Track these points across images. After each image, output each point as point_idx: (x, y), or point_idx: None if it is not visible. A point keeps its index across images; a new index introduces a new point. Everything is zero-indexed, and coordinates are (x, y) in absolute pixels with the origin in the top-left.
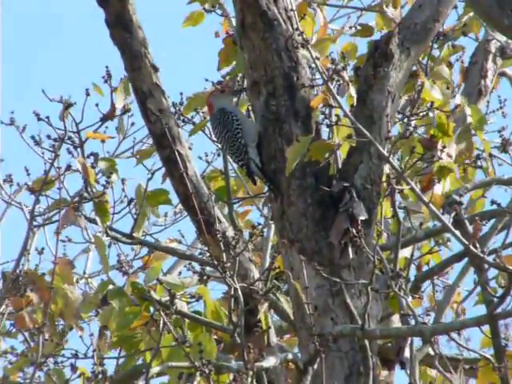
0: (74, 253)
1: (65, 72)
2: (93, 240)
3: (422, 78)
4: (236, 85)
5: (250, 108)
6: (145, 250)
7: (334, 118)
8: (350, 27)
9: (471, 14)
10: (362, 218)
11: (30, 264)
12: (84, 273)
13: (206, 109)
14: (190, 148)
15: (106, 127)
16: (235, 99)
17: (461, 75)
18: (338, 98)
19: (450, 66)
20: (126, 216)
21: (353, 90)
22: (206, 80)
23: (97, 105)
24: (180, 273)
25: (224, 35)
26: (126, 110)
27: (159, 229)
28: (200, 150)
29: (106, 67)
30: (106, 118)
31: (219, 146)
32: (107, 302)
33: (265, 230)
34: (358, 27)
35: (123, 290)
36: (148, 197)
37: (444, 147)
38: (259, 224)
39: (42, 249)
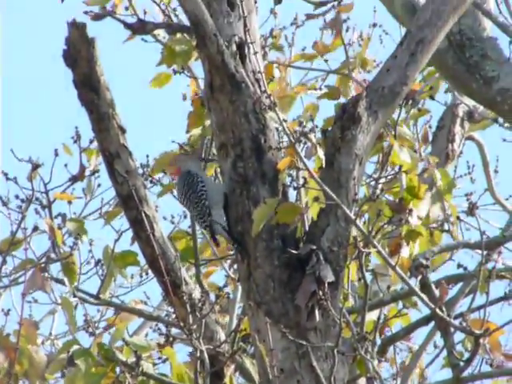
0: (40, 314)
1: (34, 132)
2: (59, 301)
3: (392, 141)
4: (203, 149)
5: (217, 170)
6: (111, 312)
7: (301, 181)
8: (315, 88)
9: (436, 75)
10: (329, 280)
11: None
12: (50, 334)
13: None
14: (156, 210)
15: (74, 188)
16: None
17: (423, 139)
18: (305, 160)
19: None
20: (93, 277)
21: (321, 152)
22: (173, 142)
23: (65, 165)
24: (146, 334)
25: (191, 97)
26: (94, 171)
27: (125, 290)
28: (167, 212)
29: (76, 128)
30: (75, 179)
31: (184, 207)
32: (73, 362)
33: (231, 291)
34: (323, 89)
35: (89, 350)
36: (116, 258)
37: (412, 210)
38: (225, 286)
39: (9, 310)
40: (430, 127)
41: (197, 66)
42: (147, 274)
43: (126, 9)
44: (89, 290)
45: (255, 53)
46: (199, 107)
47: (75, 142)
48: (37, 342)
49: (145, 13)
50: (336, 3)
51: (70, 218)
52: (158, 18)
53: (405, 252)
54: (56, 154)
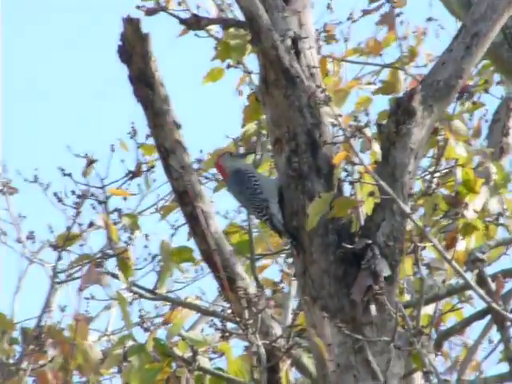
0: (97, 309)
1: (91, 128)
2: (115, 296)
3: (447, 135)
4: (258, 143)
5: (272, 165)
6: (167, 307)
7: (356, 175)
8: (369, 83)
9: (491, 68)
10: (385, 274)
11: (52, 320)
12: (106, 330)
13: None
14: (211, 205)
15: (129, 183)
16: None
17: (474, 132)
18: (360, 155)
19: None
20: (149, 272)
21: (376, 147)
22: (227, 136)
23: (122, 161)
24: (202, 329)
25: (246, 92)
26: (151, 167)
27: (180, 286)
28: (222, 207)
29: (132, 123)
30: (133, 175)
31: (241, 205)
32: (128, 358)
33: (286, 286)
34: (378, 84)
35: (143, 346)
36: (172, 254)
37: (468, 204)
38: (281, 281)
39: (65, 306)
40: (486, 121)
41: (250, 61)
42: (202, 269)
43: (179, 4)
44: (145, 285)
45: (310, 47)
46: (254, 102)
47: (131, 137)
48: (87, 336)
49: (198, 7)
50: None
51: (124, 214)
52: (211, 12)
53: (460, 246)
54: (112, 150)
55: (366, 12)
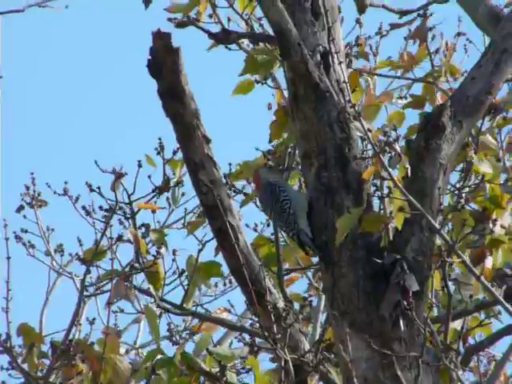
0: (125, 322)
1: (118, 144)
2: (143, 310)
3: (468, 153)
4: (286, 161)
5: (301, 179)
6: (195, 320)
7: (385, 190)
8: (400, 97)
9: None
10: (414, 289)
11: (80, 334)
12: (135, 343)
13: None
14: (240, 219)
15: (157, 198)
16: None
17: (506, 147)
18: (390, 170)
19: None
20: (177, 288)
21: (405, 161)
22: (257, 149)
23: (149, 176)
24: (231, 343)
25: (276, 106)
26: (178, 182)
27: (209, 299)
28: (249, 221)
29: (159, 139)
30: (160, 190)
31: (269, 218)
32: (156, 372)
33: (315, 300)
34: (409, 98)
35: (172, 359)
36: (200, 269)
37: (496, 220)
38: (310, 295)
39: (94, 319)
40: (510, 134)
41: (280, 75)
42: (231, 282)
43: (210, 16)
44: (172, 299)
45: (340, 62)
46: (282, 117)
47: (158, 153)
48: (119, 350)
49: (228, 20)
50: (421, 12)
51: (152, 229)
52: (242, 24)
53: (488, 262)
54: (139, 166)
55: (394, 26)
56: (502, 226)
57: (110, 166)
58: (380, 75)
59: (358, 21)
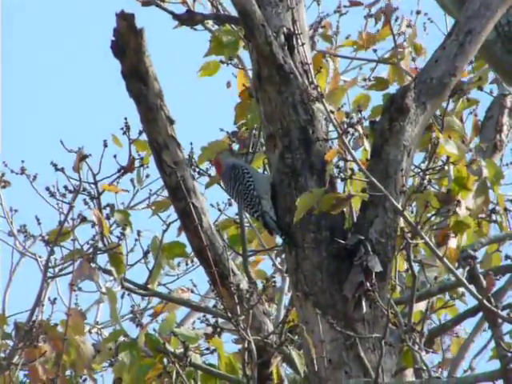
0: (86, 302)
1: (84, 123)
2: (105, 290)
3: (437, 133)
4: (251, 140)
5: (265, 161)
6: (156, 300)
7: (348, 172)
8: (364, 79)
9: (485, 67)
10: (377, 270)
11: (42, 315)
12: (96, 323)
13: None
14: (204, 200)
15: (119, 178)
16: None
17: (473, 129)
18: (352, 151)
19: (461, 119)
20: (140, 267)
21: (367, 144)
22: (221, 130)
23: (115, 156)
24: (193, 322)
25: (238, 87)
26: (142, 163)
27: (172, 279)
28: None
29: (125, 119)
30: (125, 170)
31: (233, 200)
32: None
33: (279, 282)
34: (372, 80)
35: (135, 342)
36: (164, 249)
37: (459, 201)
38: (272, 276)
39: (55, 299)
40: (475, 115)
41: (245, 56)
42: (193, 262)
43: None
44: (136, 279)
45: (303, 44)
46: (247, 98)
47: (124, 133)
48: (83, 331)
49: (194, 1)
50: None
51: (116, 210)
52: (207, 5)
53: (452, 243)
54: (105, 145)
55: (353, 3)
56: (467, 208)
57: (75, 146)
58: (344, 57)
59: None
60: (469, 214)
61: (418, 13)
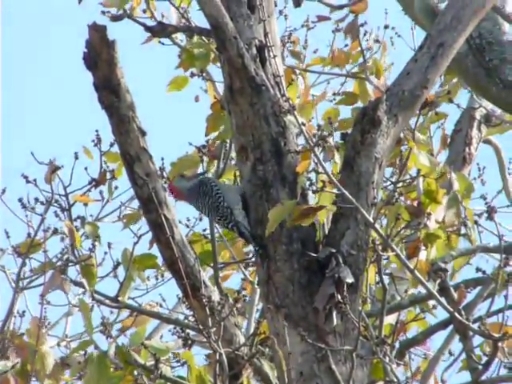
0: (56, 315)
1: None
2: (75, 303)
3: (411, 144)
4: (221, 152)
5: (236, 173)
6: (126, 313)
7: (319, 184)
8: (334, 93)
9: (454, 80)
10: (349, 281)
11: (14, 326)
12: (66, 336)
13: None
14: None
15: (89, 190)
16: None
17: (441, 142)
18: (323, 164)
19: (425, 132)
20: (110, 279)
21: (337, 157)
22: (190, 144)
23: (86, 168)
24: (161, 336)
25: (207, 99)
26: (113, 175)
27: (141, 293)
28: (182, 215)
29: (96, 131)
30: (96, 182)
31: (204, 215)
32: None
33: (249, 294)
34: (341, 95)
35: (105, 353)
36: (135, 261)
37: (430, 214)
38: (243, 289)
39: (24, 312)
40: (443, 129)
41: (214, 70)
42: (163, 276)
43: (144, 11)
44: (106, 292)
45: (275, 56)
46: (217, 110)
47: (95, 145)
48: (45, 342)
49: (162, 16)
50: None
51: (87, 222)
52: (174, 21)
53: (423, 256)
54: (76, 157)
55: (320, 18)
56: (437, 221)
57: (47, 158)
58: (313, 72)
59: (282, 13)
60: (439, 227)
61: (386, 27)
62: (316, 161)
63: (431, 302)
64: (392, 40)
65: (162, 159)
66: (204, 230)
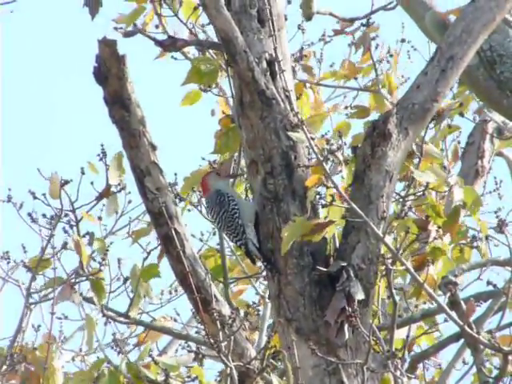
0: (72, 330)
1: (61, 151)
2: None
3: (410, 163)
4: (233, 168)
5: (247, 187)
6: (141, 328)
7: (329, 198)
8: (346, 107)
9: (466, 92)
10: (359, 297)
11: (25, 341)
12: (80, 350)
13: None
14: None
15: (103, 205)
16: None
17: (453, 155)
18: (332, 178)
19: (438, 145)
20: (122, 294)
21: (345, 171)
22: (203, 159)
23: (92, 183)
24: (176, 350)
25: (220, 114)
26: (121, 188)
27: (155, 307)
28: (196, 229)
29: (101, 145)
30: (101, 197)
31: (215, 225)
32: None
33: (261, 308)
34: (354, 108)
35: (116, 369)
36: (142, 274)
37: (439, 227)
38: (254, 303)
39: (39, 326)
40: (458, 142)
41: (225, 83)
42: (176, 290)
43: (156, 27)
44: (117, 307)
45: (284, 70)
46: (226, 125)
47: (101, 159)
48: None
49: (174, 33)
50: (364, 21)
51: (96, 238)
52: (185, 36)
53: (432, 270)
54: (82, 173)
55: (337, 32)
56: (441, 236)
57: (51, 174)
58: (325, 85)
59: (299, 27)
60: (449, 242)
61: (403, 41)
62: (325, 175)
63: (441, 316)
64: (409, 53)
65: (175, 174)
66: (217, 245)
